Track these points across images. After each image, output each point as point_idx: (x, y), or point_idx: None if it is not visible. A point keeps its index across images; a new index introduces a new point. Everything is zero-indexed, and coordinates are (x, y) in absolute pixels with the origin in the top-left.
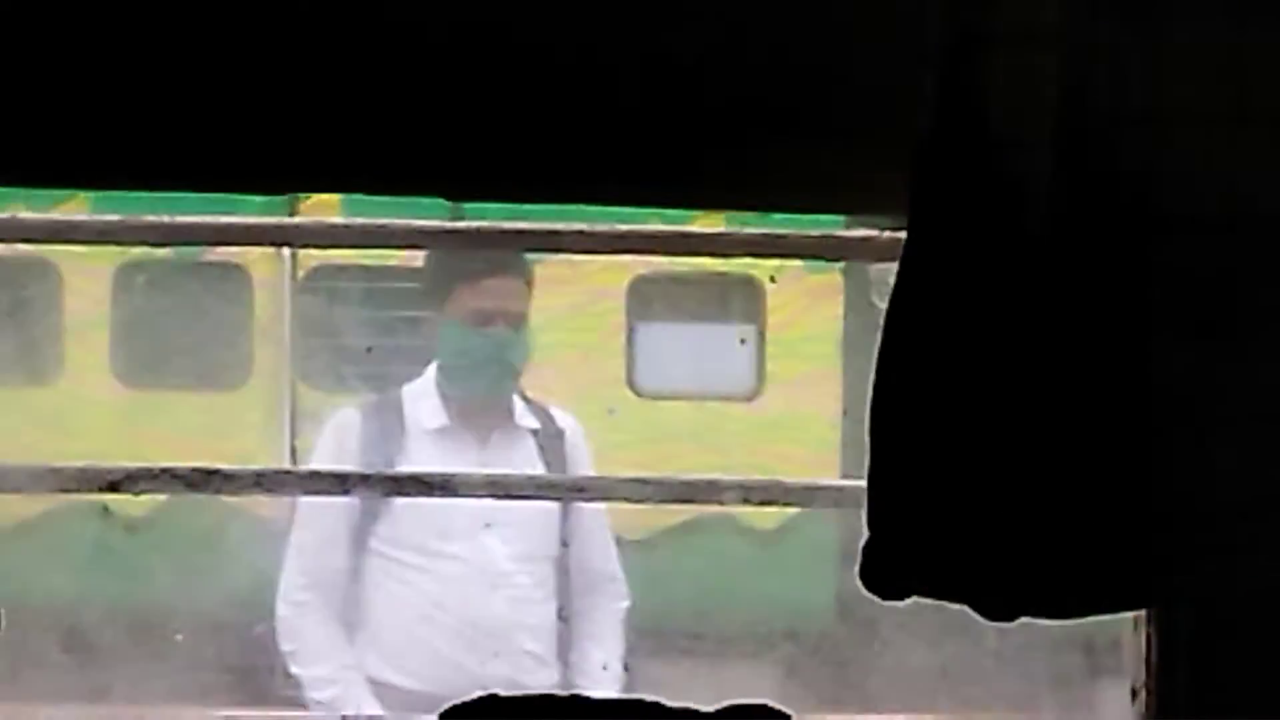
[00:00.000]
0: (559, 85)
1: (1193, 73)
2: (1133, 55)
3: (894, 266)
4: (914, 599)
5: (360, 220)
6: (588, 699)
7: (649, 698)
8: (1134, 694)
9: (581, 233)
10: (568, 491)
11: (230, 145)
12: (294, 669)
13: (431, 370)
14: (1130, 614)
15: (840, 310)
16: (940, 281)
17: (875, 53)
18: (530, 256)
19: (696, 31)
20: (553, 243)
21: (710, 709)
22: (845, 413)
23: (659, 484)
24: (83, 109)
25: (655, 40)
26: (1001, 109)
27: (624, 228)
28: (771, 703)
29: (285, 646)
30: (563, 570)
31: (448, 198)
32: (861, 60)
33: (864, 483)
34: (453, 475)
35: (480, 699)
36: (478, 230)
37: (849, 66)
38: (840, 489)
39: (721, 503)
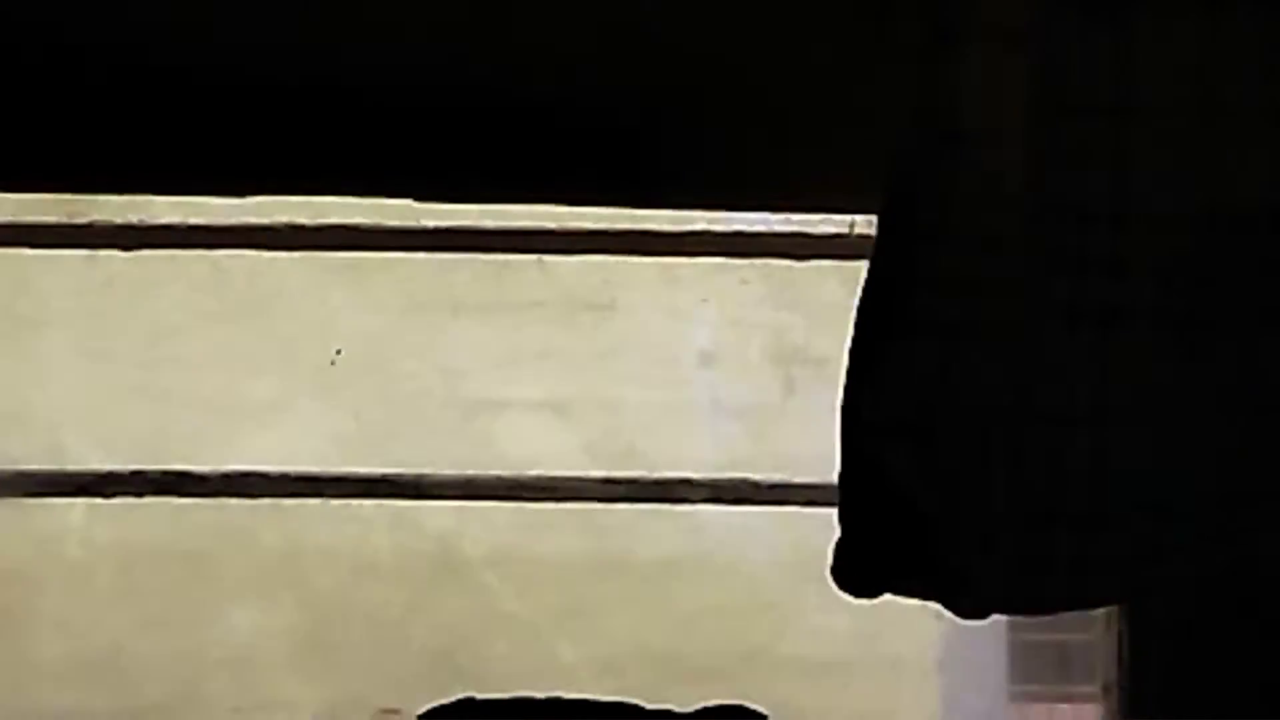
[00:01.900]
0: (538, 86)
1: (1161, 68)
2: (1102, 51)
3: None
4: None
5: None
6: (565, 700)
7: (627, 700)
8: (1105, 690)
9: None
10: (538, 491)
11: (209, 148)
12: None
13: None
14: (1101, 610)
15: None
16: (912, 277)
17: (849, 50)
18: None
19: (669, 31)
20: (525, 244)
21: (687, 710)
22: None
23: (630, 483)
24: (50, 112)
25: (632, 41)
26: (975, 106)
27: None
28: (748, 704)
29: None
30: None
31: (418, 199)
32: (835, 57)
33: (835, 481)
34: (423, 475)
35: (457, 701)
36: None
37: (822, 64)
38: (813, 487)
39: (691, 500)
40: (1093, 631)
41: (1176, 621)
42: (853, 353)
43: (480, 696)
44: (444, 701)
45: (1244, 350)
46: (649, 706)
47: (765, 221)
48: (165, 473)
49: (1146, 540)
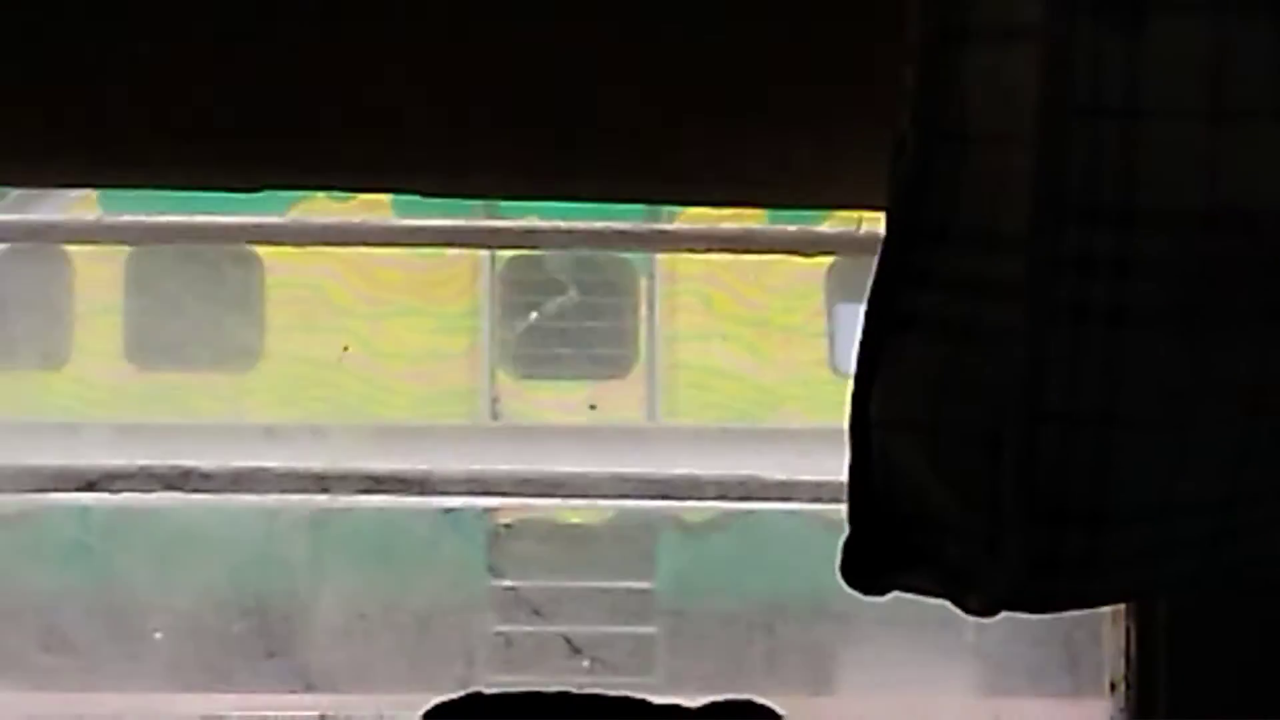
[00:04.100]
0: (534, 79)
1: (1170, 68)
2: (1112, 50)
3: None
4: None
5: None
6: (573, 695)
7: (634, 695)
8: (1112, 687)
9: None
10: (548, 488)
11: (202, 140)
12: None
13: None
14: (1109, 608)
15: None
16: (918, 276)
17: (854, 45)
18: None
19: (673, 22)
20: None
21: (695, 704)
22: None
23: (638, 480)
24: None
25: (632, 31)
26: (980, 105)
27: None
28: (756, 698)
29: None
30: None
31: (423, 194)
32: (840, 53)
33: (843, 478)
34: (432, 472)
35: (465, 696)
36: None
37: (828, 59)
38: (819, 484)
39: (700, 498)
40: (1100, 629)
41: (1184, 619)
42: (861, 350)
43: (488, 691)
44: (451, 696)
45: (1251, 350)
46: (656, 701)
47: (774, 218)
48: (172, 468)
49: (1153, 539)
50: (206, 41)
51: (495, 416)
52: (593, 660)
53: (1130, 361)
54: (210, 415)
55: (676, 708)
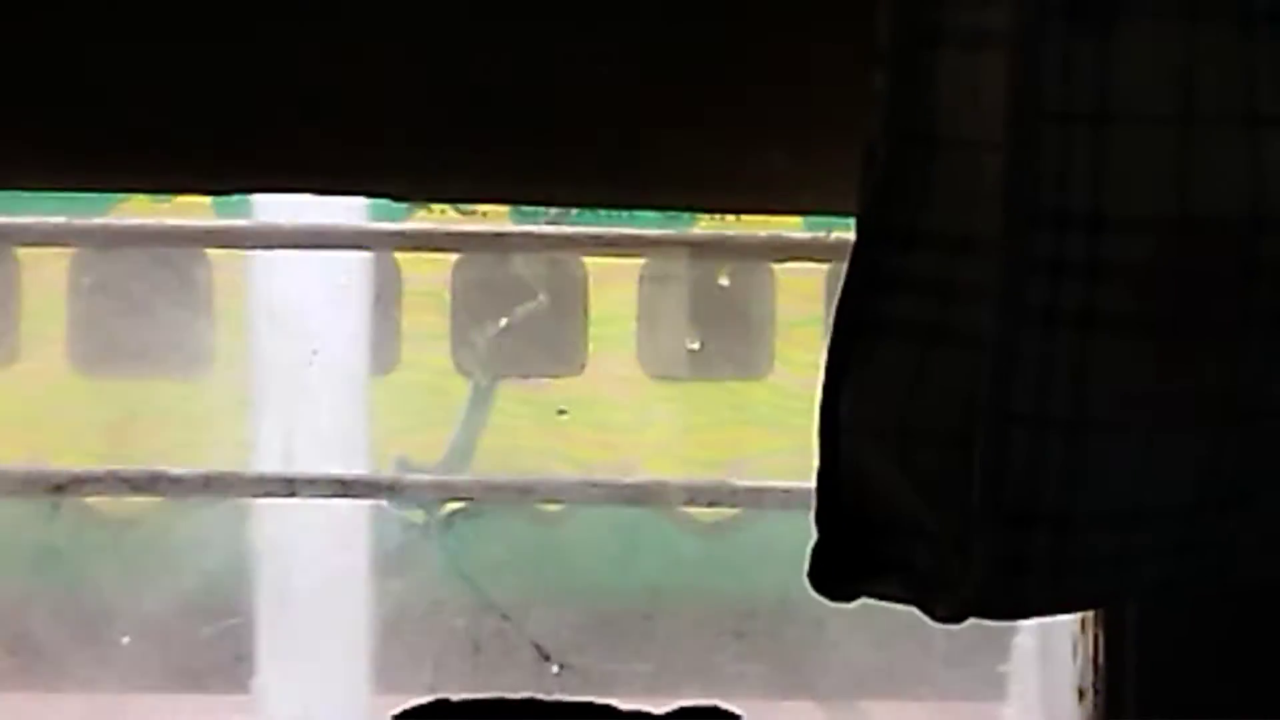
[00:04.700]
0: (511, 81)
1: (1141, 73)
2: (1083, 55)
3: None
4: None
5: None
6: (540, 702)
7: (600, 700)
8: (1081, 695)
9: (538, 235)
10: (515, 493)
11: (180, 143)
12: None
13: None
14: (1078, 615)
15: None
16: (888, 280)
17: (825, 48)
18: None
19: (646, 27)
20: (503, 245)
21: (661, 711)
22: None
23: (606, 486)
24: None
25: (605, 35)
26: (952, 108)
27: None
28: (721, 704)
29: None
30: None
31: (398, 198)
32: (811, 55)
33: (812, 484)
34: (402, 478)
35: (431, 703)
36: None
37: (798, 62)
38: (788, 490)
39: (669, 504)
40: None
41: (1153, 626)
42: (830, 354)
43: (454, 698)
44: (418, 702)
45: (1222, 356)
46: (623, 708)
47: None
48: (141, 472)
49: (1122, 544)
50: (175, 44)
51: None
52: None
53: (1099, 366)
54: None
55: (643, 714)
